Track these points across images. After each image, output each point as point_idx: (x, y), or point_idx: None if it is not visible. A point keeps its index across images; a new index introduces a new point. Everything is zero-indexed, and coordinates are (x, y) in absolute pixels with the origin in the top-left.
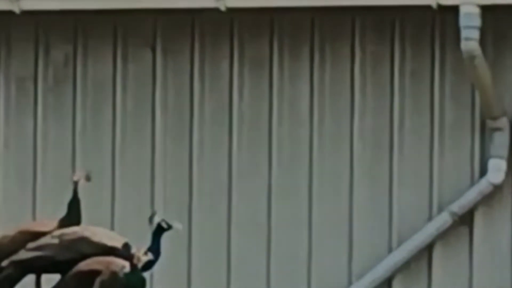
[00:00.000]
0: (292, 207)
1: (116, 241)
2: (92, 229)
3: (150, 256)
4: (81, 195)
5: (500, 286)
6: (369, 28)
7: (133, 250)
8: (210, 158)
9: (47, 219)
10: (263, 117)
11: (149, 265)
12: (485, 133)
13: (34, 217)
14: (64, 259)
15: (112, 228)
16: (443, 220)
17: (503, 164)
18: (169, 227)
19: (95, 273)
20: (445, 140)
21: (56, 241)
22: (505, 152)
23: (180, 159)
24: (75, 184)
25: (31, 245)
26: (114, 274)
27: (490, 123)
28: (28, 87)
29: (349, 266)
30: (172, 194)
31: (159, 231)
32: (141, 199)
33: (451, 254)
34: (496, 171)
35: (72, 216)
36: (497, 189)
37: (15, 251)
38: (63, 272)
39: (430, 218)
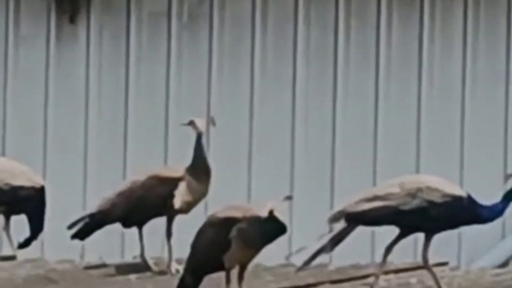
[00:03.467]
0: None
1: (459, 191)
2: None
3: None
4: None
5: None
6: None
7: (275, 203)
8: None
9: (175, 165)
10: None
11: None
12: None
13: (165, 163)
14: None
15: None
16: None
17: None
18: None
19: (232, 220)
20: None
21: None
22: None
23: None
24: (199, 133)
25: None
26: (252, 221)
27: None
28: (161, 23)
29: None
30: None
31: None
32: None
33: None
34: None
35: (199, 162)
36: None
37: (144, 196)
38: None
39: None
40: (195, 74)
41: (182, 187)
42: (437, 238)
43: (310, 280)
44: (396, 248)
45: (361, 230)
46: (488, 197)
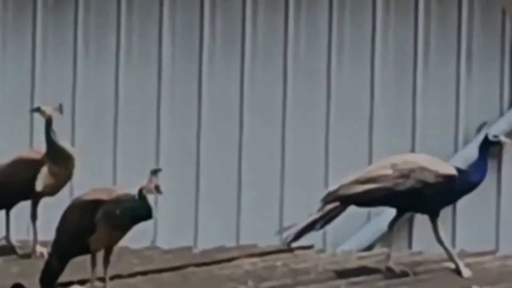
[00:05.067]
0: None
1: (450, 168)
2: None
3: (158, 192)
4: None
5: None
6: None
7: (145, 181)
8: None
9: (36, 150)
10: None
11: (469, 186)
12: None
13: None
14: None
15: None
16: (468, 153)
17: None
18: (498, 142)
19: (97, 203)
20: (473, 69)
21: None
22: None
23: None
24: (48, 119)
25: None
26: (117, 202)
27: None
28: (26, 6)
29: None
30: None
31: (485, 145)
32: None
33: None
34: None
35: (52, 147)
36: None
37: (9, 179)
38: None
39: (456, 150)
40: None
41: (44, 170)
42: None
43: (176, 263)
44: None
45: (225, 214)
46: None
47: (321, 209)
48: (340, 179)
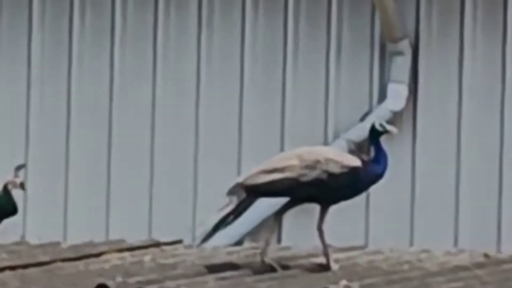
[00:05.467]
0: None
1: (355, 160)
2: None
3: (22, 188)
4: None
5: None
6: None
7: (9, 177)
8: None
9: None
10: None
11: (375, 177)
12: (385, 56)
13: None
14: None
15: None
16: (338, 147)
17: (403, 89)
18: (384, 130)
19: None
20: (342, 63)
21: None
22: (406, 76)
23: None
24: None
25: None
26: None
27: (390, 46)
28: None
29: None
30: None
31: (374, 134)
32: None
33: None
34: (396, 97)
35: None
36: (396, 115)
37: None
38: None
39: (325, 145)
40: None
41: None
42: (171, 217)
43: (43, 258)
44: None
45: (95, 208)
46: None
47: (229, 202)
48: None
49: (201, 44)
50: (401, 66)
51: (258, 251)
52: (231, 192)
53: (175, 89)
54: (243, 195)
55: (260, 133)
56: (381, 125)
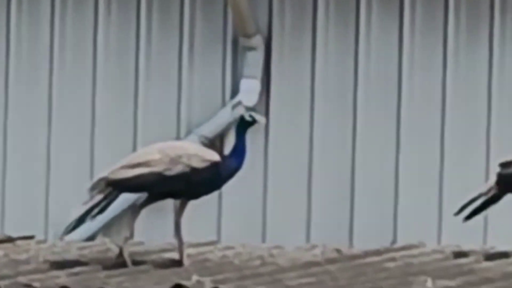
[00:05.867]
0: None
1: (215, 155)
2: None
3: None
4: None
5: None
6: None
7: None
8: None
9: None
10: None
11: (233, 171)
12: (238, 51)
13: None
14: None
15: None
16: (191, 142)
17: (256, 85)
18: (253, 121)
19: None
20: (195, 58)
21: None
22: (258, 72)
23: None
24: None
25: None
26: None
27: (243, 41)
28: None
29: None
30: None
31: (242, 125)
32: None
33: None
34: (249, 92)
35: None
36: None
37: None
38: None
39: (178, 140)
40: None
41: None
42: (24, 213)
43: None
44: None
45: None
46: None
47: (92, 197)
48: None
49: (54, 43)
50: (253, 61)
51: (111, 246)
52: (94, 187)
53: (25, 86)
54: (107, 189)
55: (113, 128)
56: (250, 115)
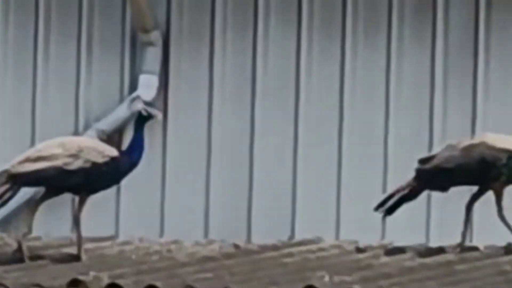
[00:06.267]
0: None
1: (114, 151)
2: None
3: None
4: None
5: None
6: None
7: None
8: None
9: None
10: None
11: (131, 166)
12: (136, 47)
13: None
14: None
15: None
16: (89, 137)
17: (154, 80)
18: (150, 116)
19: None
20: (93, 53)
21: None
22: (157, 67)
23: None
24: None
25: None
26: None
27: (141, 37)
28: None
29: None
30: None
31: (140, 120)
32: None
33: None
34: (147, 87)
35: None
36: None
37: None
38: None
39: (76, 135)
40: None
41: None
42: None
43: None
44: None
45: None
46: None
47: None
48: None
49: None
50: (152, 56)
51: (9, 240)
52: None
53: None
54: (9, 183)
55: (11, 123)
56: (145, 110)
